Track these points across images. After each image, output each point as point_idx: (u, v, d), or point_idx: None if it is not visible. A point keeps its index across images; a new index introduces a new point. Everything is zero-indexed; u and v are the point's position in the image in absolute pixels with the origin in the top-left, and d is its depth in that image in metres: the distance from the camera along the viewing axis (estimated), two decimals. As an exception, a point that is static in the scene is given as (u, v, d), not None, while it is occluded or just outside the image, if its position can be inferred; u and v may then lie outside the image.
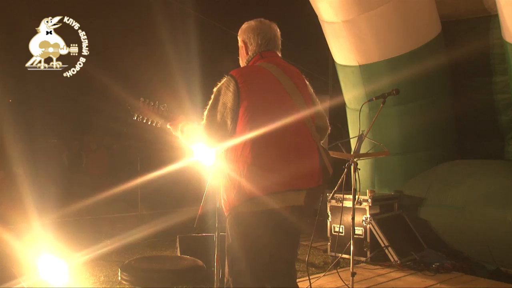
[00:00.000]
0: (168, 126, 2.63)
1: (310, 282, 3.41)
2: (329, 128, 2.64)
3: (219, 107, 2.36)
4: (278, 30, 2.60)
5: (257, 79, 2.40)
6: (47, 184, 8.21)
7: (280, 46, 2.61)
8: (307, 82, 2.58)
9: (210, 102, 2.40)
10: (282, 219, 2.30)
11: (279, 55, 2.59)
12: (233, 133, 2.33)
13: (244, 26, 2.60)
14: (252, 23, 2.58)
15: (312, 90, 2.58)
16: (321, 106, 2.62)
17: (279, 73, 2.44)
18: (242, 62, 2.62)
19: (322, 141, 2.54)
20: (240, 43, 2.60)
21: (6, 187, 7.42)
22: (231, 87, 2.33)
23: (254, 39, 2.53)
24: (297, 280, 2.60)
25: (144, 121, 2.68)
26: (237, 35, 2.63)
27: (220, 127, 2.35)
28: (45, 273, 3.86)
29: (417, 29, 5.78)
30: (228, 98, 2.33)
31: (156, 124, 2.69)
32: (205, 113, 2.40)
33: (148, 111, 2.66)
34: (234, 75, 2.37)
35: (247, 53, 2.56)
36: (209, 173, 2.90)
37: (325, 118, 2.62)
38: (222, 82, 2.40)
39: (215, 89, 2.41)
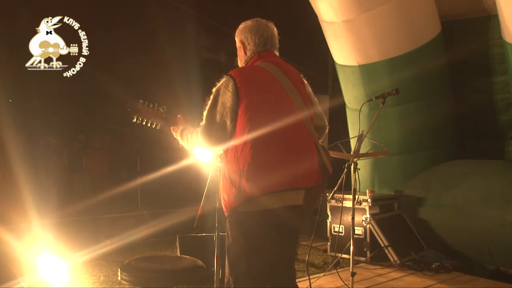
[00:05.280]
0: (172, 133, 2.64)
1: (310, 282, 3.41)
2: (327, 127, 2.65)
3: (218, 107, 2.35)
4: (275, 29, 2.60)
5: (256, 79, 2.40)
6: (47, 184, 8.20)
7: (278, 45, 2.61)
8: (306, 82, 2.59)
9: (209, 102, 2.40)
10: (282, 219, 2.30)
11: (277, 54, 2.59)
12: (232, 133, 2.33)
13: (241, 26, 2.60)
14: (248, 23, 2.58)
15: (310, 90, 2.58)
16: (321, 106, 2.63)
17: (278, 72, 2.44)
18: (241, 63, 2.62)
19: (320, 140, 2.55)
20: (238, 44, 2.60)
21: (5, 187, 7.42)
22: (230, 87, 2.33)
23: (252, 39, 2.53)
24: (297, 280, 2.60)
25: (144, 123, 2.69)
26: (235, 35, 2.64)
27: (219, 127, 2.35)
28: (45, 273, 3.86)
29: (417, 29, 5.78)
30: (227, 97, 2.33)
31: (156, 126, 2.70)
32: (205, 113, 2.40)
33: (148, 113, 2.67)
34: (233, 75, 2.37)
35: (245, 53, 2.57)
36: (208, 173, 2.90)
37: (323, 117, 2.63)
38: (221, 82, 2.39)
39: (214, 90, 2.41)
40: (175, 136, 2.63)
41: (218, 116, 2.35)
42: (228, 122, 2.33)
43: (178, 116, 2.66)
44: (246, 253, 2.30)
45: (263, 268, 2.32)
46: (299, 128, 2.38)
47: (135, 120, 2.69)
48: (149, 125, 2.69)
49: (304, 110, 2.42)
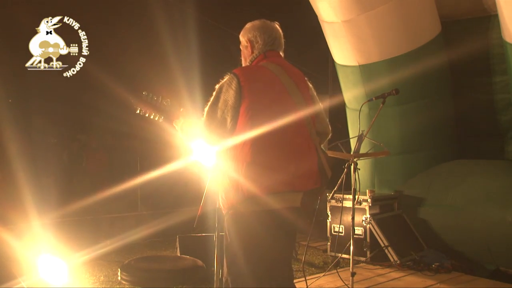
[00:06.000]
0: (174, 125, 2.65)
1: (306, 282, 3.42)
2: (330, 133, 2.64)
3: (220, 104, 2.36)
4: (281, 30, 2.61)
5: (259, 79, 2.41)
6: (47, 184, 8.19)
7: (283, 46, 2.62)
8: (310, 85, 2.59)
9: (212, 99, 2.41)
10: (279, 219, 2.30)
11: (282, 55, 2.59)
12: (232, 130, 2.34)
13: (249, 25, 2.60)
14: (256, 22, 2.59)
15: (314, 93, 2.58)
16: (322, 106, 2.62)
17: (281, 73, 2.45)
18: (245, 62, 2.62)
19: (322, 145, 2.55)
20: (245, 43, 2.59)
21: (5, 187, 7.41)
22: (233, 85, 2.34)
23: (261, 37, 2.54)
24: (296, 280, 2.61)
25: (147, 115, 2.70)
26: (236, 35, 2.64)
27: (220, 124, 2.36)
28: (45, 273, 3.86)
29: (417, 29, 5.78)
30: (229, 95, 2.34)
31: (158, 118, 2.71)
32: (206, 109, 2.41)
33: (151, 105, 2.68)
34: (237, 73, 2.38)
35: (252, 52, 2.56)
36: (208, 173, 2.91)
37: (326, 122, 2.61)
38: (225, 79, 2.40)
39: (217, 86, 2.42)
40: (176, 129, 2.64)
41: (219, 113, 2.36)
42: (228, 120, 2.34)
43: (181, 109, 2.67)
44: (244, 253, 2.30)
45: (261, 268, 2.32)
46: (299, 130, 2.39)
47: (138, 111, 2.71)
48: (151, 117, 2.70)
49: (306, 112, 2.43)
